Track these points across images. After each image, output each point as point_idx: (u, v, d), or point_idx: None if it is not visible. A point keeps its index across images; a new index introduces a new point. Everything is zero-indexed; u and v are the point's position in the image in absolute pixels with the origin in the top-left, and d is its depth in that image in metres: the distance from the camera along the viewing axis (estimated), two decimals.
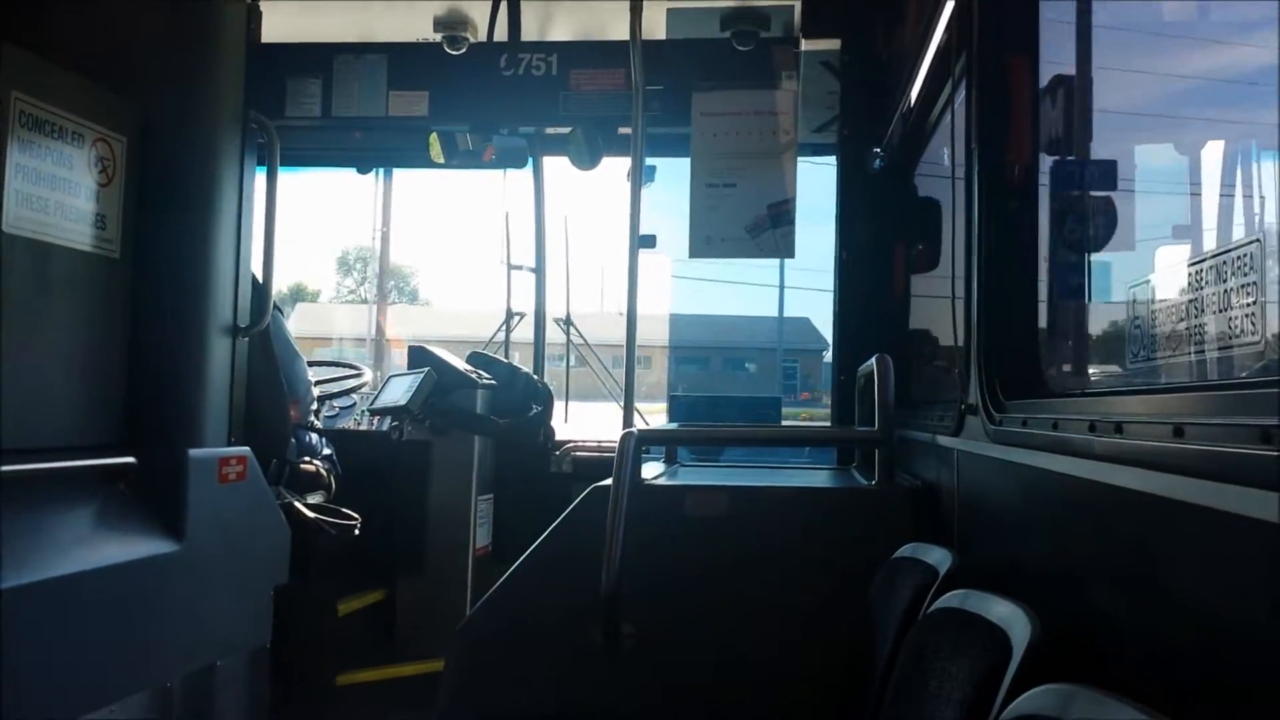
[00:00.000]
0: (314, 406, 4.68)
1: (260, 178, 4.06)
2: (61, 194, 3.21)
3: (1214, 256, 1.46)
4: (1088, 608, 1.60)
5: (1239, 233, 2.21)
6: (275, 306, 4.37)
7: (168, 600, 3.30)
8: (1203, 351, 1.49)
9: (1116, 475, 1.44)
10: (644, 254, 4.13)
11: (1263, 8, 1.69)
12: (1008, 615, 1.55)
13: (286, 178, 4.65)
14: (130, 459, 3.30)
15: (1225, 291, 1.41)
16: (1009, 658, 1.46)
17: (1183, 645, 1.29)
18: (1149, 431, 1.35)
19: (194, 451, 3.49)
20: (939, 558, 2.19)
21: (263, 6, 4.07)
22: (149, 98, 3.61)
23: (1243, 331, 1.37)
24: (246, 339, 3.91)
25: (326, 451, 4.69)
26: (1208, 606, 1.23)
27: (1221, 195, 2.23)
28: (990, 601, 1.64)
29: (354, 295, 44.34)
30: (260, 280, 4.05)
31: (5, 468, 2.85)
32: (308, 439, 4.56)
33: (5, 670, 2.65)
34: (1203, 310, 1.48)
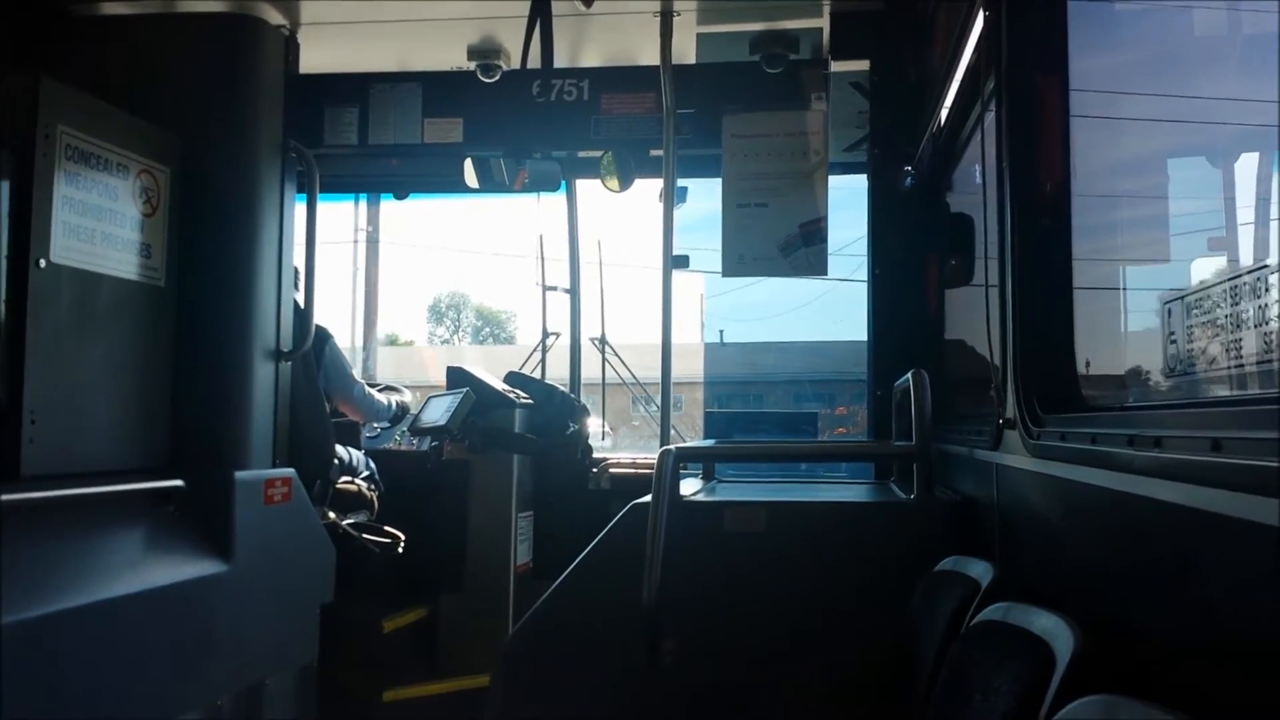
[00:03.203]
0: (388, 415, 4.85)
1: (300, 206, 4.14)
2: (107, 224, 3.29)
3: (1249, 272, 1.49)
4: (1130, 620, 1.62)
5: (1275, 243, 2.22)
6: (327, 333, 4.46)
7: (216, 620, 3.36)
8: (1239, 366, 1.51)
9: (1156, 489, 1.46)
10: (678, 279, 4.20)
11: None
12: (1051, 627, 1.57)
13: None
14: (178, 482, 3.37)
15: (1262, 306, 1.43)
16: (1053, 670, 1.48)
17: (1223, 657, 1.31)
18: (1187, 445, 1.37)
19: (240, 474, 3.56)
20: (980, 571, 2.21)
21: (300, 38, 4.15)
22: (191, 129, 3.70)
23: (1275, 346, 1.39)
24: (289, 363, 3.98)
25: (368, 471, 4.76)
26: (1247, 618, 1.25)
27: (1258, 206, 2.24)
28: (1033, 614, 1.66)
29: (446, 342, 44.55)
30: (302, 305, 4.13)
31: (56, 492, 2.93)
32: (349, 459, 4.64)
33: (60, 691, 2.71)
34: (1239, 325, 1.50)
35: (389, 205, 6.68)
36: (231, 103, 3.88)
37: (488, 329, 45.45)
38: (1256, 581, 1.22)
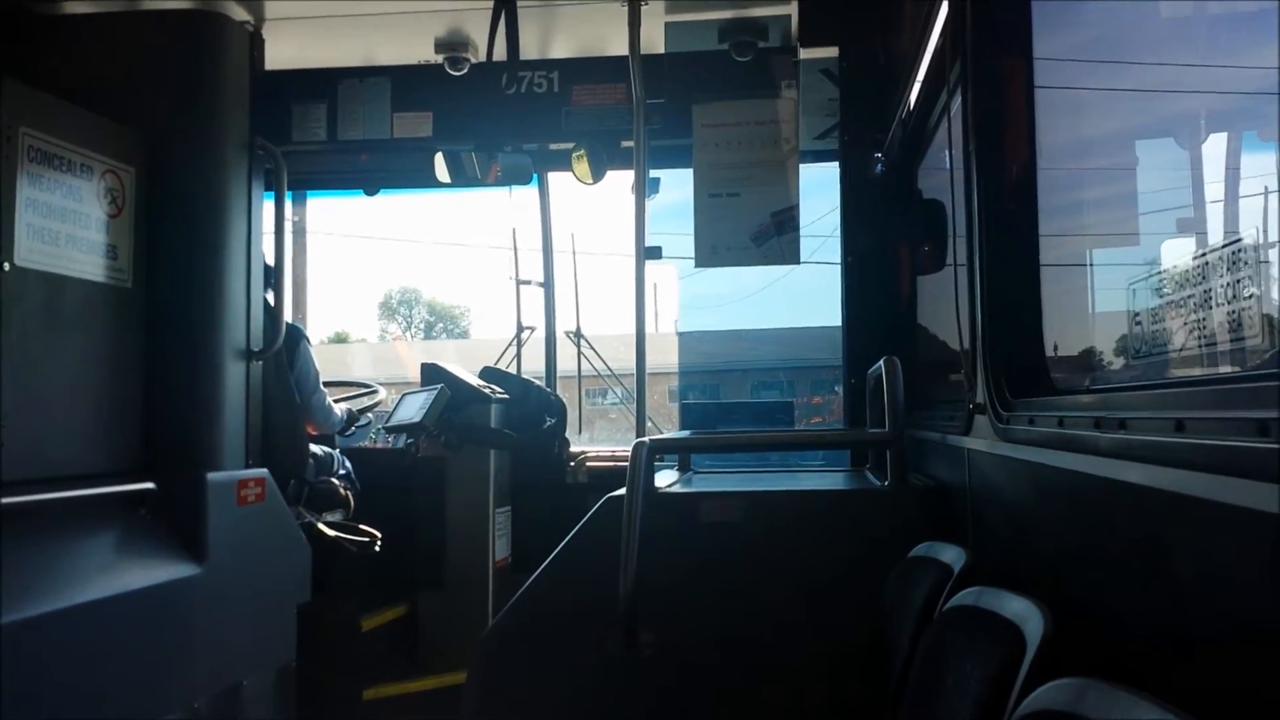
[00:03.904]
0: (338, 427, 4.81)
1: (269, 203, 4.10)
2: (72, 226, 3.26)
3: (1212, 252, 1.49)
4: (1100, 602, 1.63)
5: (1241, 226, 2.23)
6: (301, 333, 4.43)
7: (192, 622, 3.33)
8: (1202, 346, 1.51)
9: (1122, 470, 1.46)
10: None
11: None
12: (1021, 611, 1.57)
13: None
14: (149, 484, 3.34)
15: (1225, 286, 1.43)
16: (1023, 653, 1.48)
17: (1191, 636, 1.32)
18: (1151, 426, 1.37)
19: (212, 475, 3.52)
20: (953, 556, 2.21)
21: (265, 33, 4.11)
22: (155, 128, 3.65)
23: (1240, 325, 1.39)
24: (261, 362, 3.95)
25: (344, 470, 4.73)
26: (1213, 598, 1.26)
27: (1225, 188, 2.25)
28: (1004, 598, 1.66)
29: (399, 338, 44.07)
30: (272, 304, 4.10)
31: (27, 497, 2.89)
32: (325, 458, 4.61)
33: (33, 697, 2.68)
34: (1203, 304, 1.50)
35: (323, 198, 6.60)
36: (196, 101, 3.83)
37: (440, 324, 45.16)
38: (1222, 562, 1.22)
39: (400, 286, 47.08)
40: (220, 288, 3.77)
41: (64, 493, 3.06)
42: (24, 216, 3.07)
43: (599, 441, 6.54)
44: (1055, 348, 2.21)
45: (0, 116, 2.99)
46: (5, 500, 2.80)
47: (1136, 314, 1.74)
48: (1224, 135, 2.24)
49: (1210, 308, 1.48)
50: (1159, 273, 1.72)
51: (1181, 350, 1.59)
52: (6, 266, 2.99)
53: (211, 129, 3.84)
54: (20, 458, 3.01)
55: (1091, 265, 2.44)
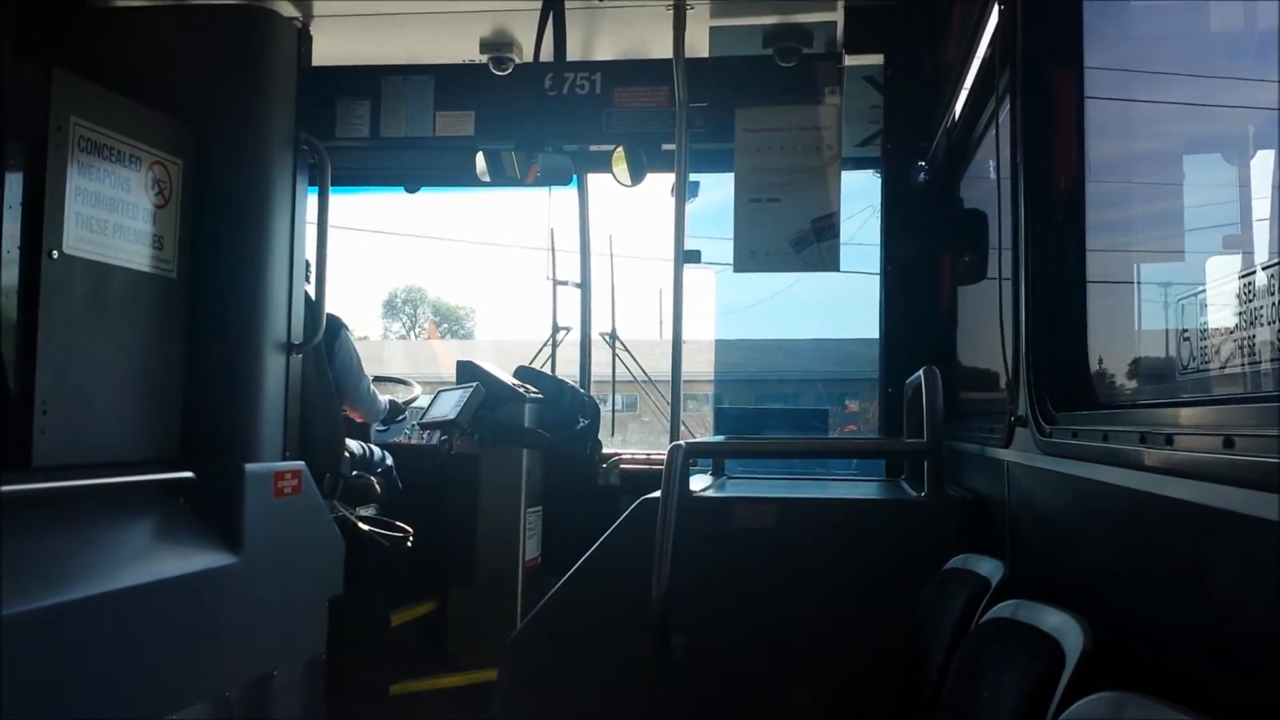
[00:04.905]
0: (382, 416, 4.84)
1: (312, 198, 4.14)
2: (120, 216, 3.29)
3: (1264, 269, 1.47)
4: (1140, 617, 1.61)
5: None
6: (341, 323, 4.46)
7: (226, 611, 3.36)
8: (1253, 363, 1.49)
9: (1167, 486, 1.45)
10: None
11: None
12: (1060, 625, 1.56)
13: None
14: (189, 473, 3.37)
15: (1277, 303, 1.42)
16: (1062, 667, 1.47)
17: (1234, 654, 1.30)
18: (1199, 443, 1.35)
19: (250, 466, 3.55)
20: (990, 569, 2.20)
21: (313, 30, 4.15)
22: (204, 121, 3.69)
23: None
24: (300, 355, 3.98)
25: (384, 466, 4.76)
26: (1258, 615, 1.24)
27: (1273, 205, 2.22)
28: (1042, 611, 1.65)
29: (403, 337, 44.31)
30: (313, 298, 4.13)
31: (67, 483, 2.93)
32: (367, 452, 4.64)
33: (69, 681, 2.71)
34: (1253, 321, 1.48)
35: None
36: (244, 95, 3.87)
37: (445, 324, 45.25)
38: (1268, 579, 1.20)
39: (405, 285, 47.41)
40: (263, 280, 3.80)
41: (104, 479, 3.09)
42: (73, 205, 3.11)
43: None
44: (1100, 360, 2.19)
45: (51, 107, 3.03)
46: (46, 485, 2.83)
47: (1185, 330, 1.72)
48: (1271, 152, 2.21)
49: (1259, 325, 1.46)
50: (1207, 289, 1.70)
51: (1225, 367, 1.58)
52: (55, 254, 3.02)
53: (258, 123, 3.87)
54: (62, 443, 3.04)
55: (1139, 283, 2.42)
